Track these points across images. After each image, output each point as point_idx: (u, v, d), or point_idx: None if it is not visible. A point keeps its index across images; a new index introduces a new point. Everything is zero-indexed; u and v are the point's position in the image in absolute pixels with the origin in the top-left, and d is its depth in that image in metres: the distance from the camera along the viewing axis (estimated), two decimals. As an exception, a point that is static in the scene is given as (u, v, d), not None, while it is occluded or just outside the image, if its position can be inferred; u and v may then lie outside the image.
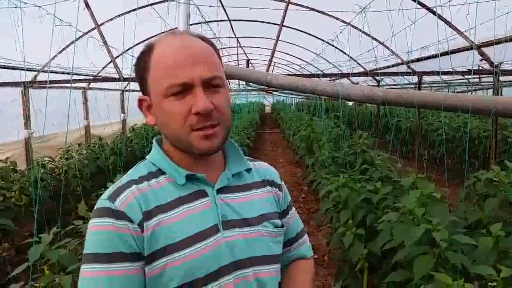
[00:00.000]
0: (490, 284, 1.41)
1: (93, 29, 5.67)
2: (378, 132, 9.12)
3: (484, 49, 4.09)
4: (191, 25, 3.24)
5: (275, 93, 16.39)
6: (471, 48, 4.26)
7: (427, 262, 1.57)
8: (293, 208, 1.10)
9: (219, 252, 0.84)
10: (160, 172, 0.90)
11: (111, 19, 6.00)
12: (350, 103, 14.21)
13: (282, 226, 0.98)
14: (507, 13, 2.63)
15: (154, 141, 0.96)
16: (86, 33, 6.11)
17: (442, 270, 1.60)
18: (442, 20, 4.21)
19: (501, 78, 5.11)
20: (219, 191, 0.91)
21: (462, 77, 9.19)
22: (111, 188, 0.86)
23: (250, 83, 10.52)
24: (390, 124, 9.33)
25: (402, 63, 6.39)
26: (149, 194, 0.84)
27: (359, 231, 2.71)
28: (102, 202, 0.83)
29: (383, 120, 9.94)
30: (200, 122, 0.82)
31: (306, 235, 1.13)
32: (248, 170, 1.00)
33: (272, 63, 10.71)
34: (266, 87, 12.88)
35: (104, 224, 0.79)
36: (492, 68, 4.09)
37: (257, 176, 1.01)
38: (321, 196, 4.16)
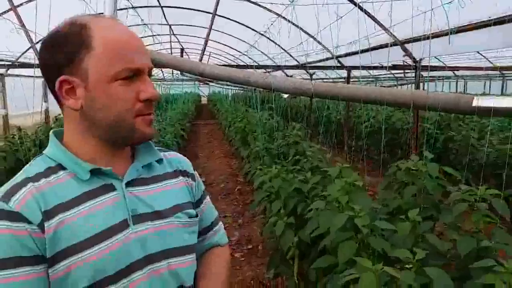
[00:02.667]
0: (406, 266, 1.50)
1: (9, 10, 5.15)
2: (310, 124, 9.42)
3: (407, 46, 4.36)
4: (118, 10, 3.05)
5: (211, 83, 16.23)
6: (395, 44, 4.52)
7: (350, 248, 1.64)
8: (207, 197, 1.10)
9: (129, 248, 0.82)
10: (60, 167, 0.83)
11: (30, 0, 5.48)
12: (285, 96, 14.52)
13: (196, 215, 0.98)
14: (425, 12, 2.83)
15: (51, 133, 0.88)
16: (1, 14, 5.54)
17: (364, 255, 1.67)
18: (368, 15, 4.41)
19: (423, 73, 5.51)
20: (129, 184, 0.87)
21: (389, 72, 9.78)
22: (4, 187, 0.79)
23: (185, 74, 10.28)
24: (321, 117, 9.69)
25: (332, 57, 6.62)
26: (48, 192, 0.79)
27: (290, 220, 2.77)
28: None
29: (315, 113, 10.28)
30: (147, 109, 0.84)
31: (220, 223, 1.14)
32: (159, 161, 0.97)
33: (207, 53, 10.55)
34: (201, 77, 12.70)
35: None
36: (414, 64, 4.38)
37: (168, 166, 0.99)
38: (255, 187, 4.20)
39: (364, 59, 5.87)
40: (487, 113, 2.26)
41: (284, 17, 6.11)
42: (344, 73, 7.74)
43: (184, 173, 1.02)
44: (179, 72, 10.53)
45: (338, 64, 6.16)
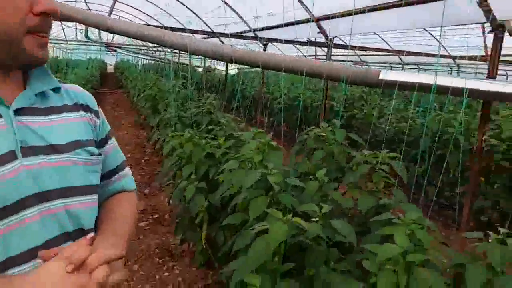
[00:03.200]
0: (313, 219, 1.53)
1: None
2: (224, 98, 9.37)
3: (322, 23, 4.49)
4: None
5: (119, 50, 15.17)
6: (311, 21, 4.62)
7: (262, 203, 1.63)
8: (113, 139, 1.00)
9: (18, 182, 0.71)
10: None
11: None
12: (200, 69, 14.22)
13: (99, 154, 0.88)
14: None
15: None
16: None
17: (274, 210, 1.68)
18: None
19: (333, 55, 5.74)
20: (18, 112, 0.75)
21: (302, 54, 10.08)
22: None
23: (89, 37, 9.37)
24: (236, 91, 9.69)
25: (250, 30, 6.57)
26: None
27: (201, 184, 2.70)
28: None
29: (230, 87, 10.25)
30: (42, 26, 0.71)
31: (128, 168, 1.05)
32: (56, 90, 0.85)
33: (117, 13, 9.76)
34: (109, 43, 11.74)
35: None
36: (327, 42, 4.54)
37: (68, 99, 0.87)
38: (165, 154, 4.04)
39: (279, 36, 5.92)
40: (392, 86, 2.42)
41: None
42: (259, 46, 7.76)
43: (86, 108, 0.90)
44: (83, 35, 9.60)
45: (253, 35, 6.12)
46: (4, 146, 0.70)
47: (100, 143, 0.92)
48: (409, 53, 6.29)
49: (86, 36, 9.19)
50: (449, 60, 8.98)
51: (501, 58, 2.86)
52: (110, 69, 26.15)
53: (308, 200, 1.78)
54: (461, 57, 6.77)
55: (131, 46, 13.40)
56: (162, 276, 3.16)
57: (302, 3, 4.41)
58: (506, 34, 2.70)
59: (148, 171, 6.08)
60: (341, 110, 4.73)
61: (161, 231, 3.99)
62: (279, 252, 1.44)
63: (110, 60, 27.72)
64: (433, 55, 6.51)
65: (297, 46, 8.90)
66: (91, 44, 12.60)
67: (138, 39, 3.24)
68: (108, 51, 15.13)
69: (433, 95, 2.26)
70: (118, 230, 0.89)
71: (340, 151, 2.27)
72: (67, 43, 13.89)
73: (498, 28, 2.64)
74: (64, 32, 12.72)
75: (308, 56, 11.47)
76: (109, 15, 4.54)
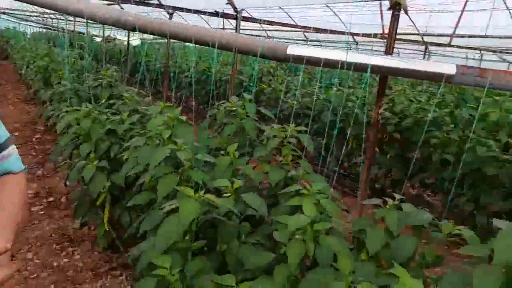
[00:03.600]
0: (225, 194, 1.50)
1: None
2: (127, 70, 8.80)
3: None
4: None
5: (3, 16, 13.24)
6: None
7: (171, 181, 1.55)
8: None
9: None
10: None
11: None
12: (99, 39, 13.10)
13: None
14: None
15: None
16: None
17: (185, 188, 1.60)
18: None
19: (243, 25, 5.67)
20: None
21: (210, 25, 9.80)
22: None
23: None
24: (139, 63, 9.15)
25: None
26: None
27: (102, 163, 2.49)
28: None
29: (133, 59, 9.65)
30: None
31: (13, 147, 0.91)
32: None
33: None
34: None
35: None
36: (235, 13, 4.45)
37: None
38: (60, 131, 3.65)
39: (186, 5, 5.64)
40: (300, 61, 2.45)
41: None
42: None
43: None
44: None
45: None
46: None
47: None
48: (319, 30, 6.50)
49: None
50: (349, 38, 9.54)
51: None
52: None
53: (220, 176, 1.74)
54: (364, 35, 7.21)
55: (19, 12, 11.76)
56: (61, 263, 2.90)
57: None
58: (402, 12, 2.90)
59: (41, 150, 5.50)
60: (253, 84, 4.74)
61: (58, 215, 3.65)
62: (190, 231, 1.39)
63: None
64: (339, 32, 6.82)
65: (204, 17, 8.63)
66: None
67: (28, 3, 2.82)
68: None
69: (337, 71, 2.35)
70: (0, 219, 0.74)
71: (251, 126, 2.26)
72: None
73: (395, 6, 2.81)
74: None
75: (215, 28, 11.26)
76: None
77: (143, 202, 1.67)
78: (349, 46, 11.29)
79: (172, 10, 5.31)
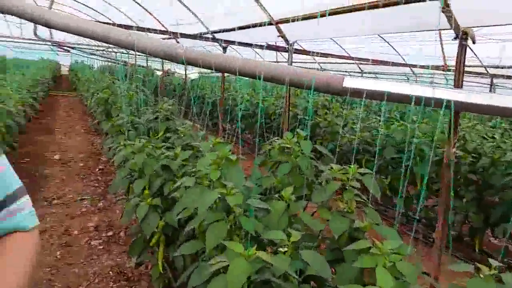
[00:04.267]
0: (281, 249, 1.33)
1: None
2: (184, 103, 9.05)
3: (282, 27, 4.33)
4: None
5: (73, 51, 14.39)
6: (270, 24, 4.45)
7: (220, 231, 1.41)
8: (2, 158, 0.73)
9: None
10: None
11: None
12: (159, 73, 13.75)
13: None
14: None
15: None
16: None
17: (236, 238, 1.46)
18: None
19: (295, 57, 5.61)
20: None
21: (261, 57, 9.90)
22: None
23: (39, 35, 8.73)
24: (197, 97, 9.39)
25: (208, 32, 6.31)
26: None
27: (155, 201, 2.43)
28: None
29: (191, 92, 9.93)
30: None
31: (25, 198, 0.77)
32: None
33: (61, 8, 9.13)
34: (61, 42, 11.05)
35: None
36: (287, 46, 4.38)
37: None
38: (117, 165, 3.71)
39: (239, 39, 5.71)
40: (358, 95, 2.26)
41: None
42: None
43: None
44: (32, 32, 8.93)
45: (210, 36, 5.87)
46: None
47: None
48: (375, 62, 6.29)
49: (35, 34, 8.54)
50: (406, 69, 9.15)
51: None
52: (64, 71, 24.88)
53: (275, 223, 1.58)
54: (421, 66, 6.87)
55: (86, 46, 12.71)
56: (116, 303, 2.85)
57: (259, 3, 4.22)
58: (470, 41, 2.65)
59: (103, 181, 5.68)
60: (309, 118, 4.60)
61: (117, 250, 3.64)
62: (241, 291, 1.23)
63: (65, 61, 26.39)
64: (397, 64, 6.56)
65: (257, 50, 8.73)
66: (41, 43, 11.80)
67: (81, 36, 2.91)
68: (60, 51, 14.28)
69: (394, 104, 2.14)
70: None
71: (307, 165, 2.09)
72: (13, 41, 12.94)
73: (463, 36, 2.57)
74: (9, 29, 11.73)
75: (269, 61, 11.35)
76: (50, 8, 4.14)
77: (191, 251, 1.55)
78: (406, 78, 10.86)
79: (226, 44, 5.37)
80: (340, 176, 1.86)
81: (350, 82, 2.35)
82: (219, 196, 1.50)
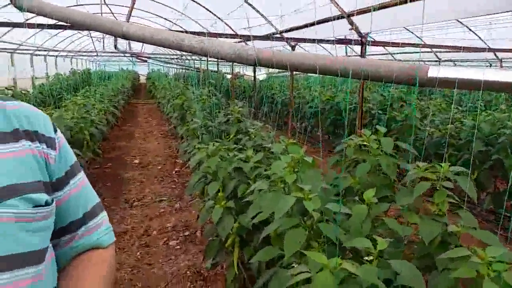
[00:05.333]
0: (366, 258, 1.21)
1: None
2: (254, 104, 9.13)
3: (353, 19, 4.14)
4: None
5: (150, 60, 15.29)
6: (341, 17, 4.27)
7: (298, 237, 1.33)
8: (80, 176, 0.70)
9: None
10: None
11: None
12: (229, 76, 14.07)
13: (49, 203, 0.60)
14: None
15: None
16: None
17: (315, 245, 1.37)
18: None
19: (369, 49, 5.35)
20: None
21: (329, 52, 9.64)
22: None
23: (118, 47, 9.38)
24: (266, 97, 9.41)
25: (276, 32, 6.27)
26: None
27: (229, 203, 2.43)
28: None
29: (260, 93, 9.99)
30: None
31: (103, 215, 0.76)
32: None
33: (136, 20, 9.68)
34: (139, 53, 11.79)
35: None
36: (360, 38, 4.17)
37: (3, 122, 0.60)
38: (192, 168, 3.81)
39: (308, 35, 5.60)
40: (447, 85, 2.05)
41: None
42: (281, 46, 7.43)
43: (34, 136, 0.63)
44: (113, 45, 9.62)
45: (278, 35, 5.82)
46: None
47: (57, 184, 0.65)
48: (455, 48, 5.78)
49: (115, 47, 9.20)
50: (488, 55, 8.34)
51: None
52: (142, 79, 26.57)
53: (356, 228, 1.46)
54: (508, 50, 6.21)
55: (161, 56, 13.44)
56: (194, 303, 2.91)
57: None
58: None
59: (180, 183, 5.90)
60: (377, 114, 4.35)
61: (193, 250, 3.74)
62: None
63: (143, 70, 28.22)
64: (478, 50, 5.99)
65: (326, 46, 8.51)
66: (121, 55, 12.71)
67: (156, 45, 3.02)
68: (138, 61, 15.27)
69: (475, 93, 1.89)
70: None
71: (388, 164, 1.93)
72: (97, 55, 14.09)
73: None
74: (93, 43, 12.86)
75: (340, 55, 11.04)
76: (127, 21, 4.37)
77: (268, 258, 1.49)
78: (489, 64, 9.90)
79: (294, 42, 5.28)
80: (428, 176, 1.69)
81: (436, 72, 2.14)
82: (296, 200, 1.42)
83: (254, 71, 9.26)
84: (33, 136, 0.62)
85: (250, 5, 5.58)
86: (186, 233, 4.15)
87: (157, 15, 9.76)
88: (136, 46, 11.82)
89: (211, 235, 2.96)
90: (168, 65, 17.62)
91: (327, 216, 1.51)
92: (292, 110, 6.92)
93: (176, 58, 14.13)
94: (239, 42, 6.56)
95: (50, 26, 4.54)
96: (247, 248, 2.42)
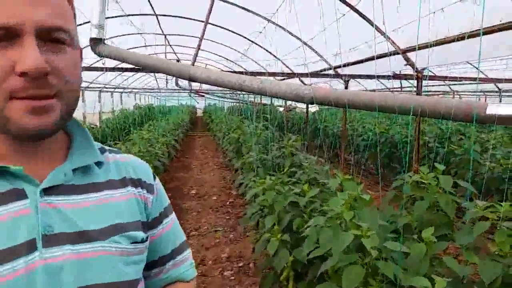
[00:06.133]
0: (424, 297, 1.24)
1: None
2: (306, 137, 9.22)
3: (409, 54, 4.17)
4: (107, 18, 2.87)
5: (207, 95, 16.03)
6: (396, 53, 4.32)
7: (357, 274, 1.38)
8: (171, 216, 0.83)
9: (32, 280, 0.57)
10: None
11: None
12: (281, 109, 14.35)
13: (145, 240, 0.71)
14: (432, 14, 2.63)
15: None
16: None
17: (372, 283, 1.41)
18: (365, 19, 4.23)
19: (425, 84, 5.31)
20: (48, 192, 0.62)
21: (385, 87, 9.56)
22: None
23: (180, 84, 10.04)
24: (318, 129, 9.47)
25: (330, 68, 6.42)
26: None
27: (284, 237, 2.51)
28: None
29: (312, 125, 10.08)
30: (27, 88, 0.55)
31: (188, 251, 0.87)
32: (99, 164, 0.71)
33: (200, 60, 10.31)
34: (197, 89, 12.47)
35: None
36: (416, 74, 4.18)
37: (115, 172, 0.73)
38: (248, 200, 3.94)
39: (362, 70, 5.67)
40: (507, 122, 2.03)
41: (273, 22, 5.91)
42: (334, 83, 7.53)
43: (137, 183, 0.75)
44: (174, 82, 10.29)
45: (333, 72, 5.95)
46: (22, 234, 0.58)
47: (151, 225, 0.77)
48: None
49: (177, 84, 9.86)
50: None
51: None
52: (199, 113, 27.75)
53: (414, 267, 1.48)
54: None
55: (217, 91, 14.10)
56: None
57: (385, 36, 4.16)
58: None
59: (233, 213, 6.04)
60: (435, 147, 4.25)
61: (247, 282, 3.81)
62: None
63: (199, 104, 29.56)
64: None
65: (380, 80, 8.50)
66: (181, 91, 13.51)
67: (219, 86, 3.25)
68: (196, 96, 16.09)
69: None
70: None
71: (447, 202, 1.93)
72: (159, 91, 15.04)
73: None
74: (157, 82, 13.85)
75: (393, 89, 10.93)
76: (193, 63, 4.71)
77: (326, 293, 1.55)
78: None
79: (348, 77, 5.37)
80: (488, 215, 1.67)
81: (495, 109, 2.13)
82: (354, 237, 1.48)
83: (307, 105, 9.41)
84: (136, 182, 0.75)
85: (309, 46, 5.81)
86: (240, 264, 4.23)
87: (219, 55, 10.37)
88: (196, 83, 12.53)
89: (265, 267, 3.03)
90: (223, 99, 18.32)
91: (384, 253, 1.55)
92: (345, 143, 6.92)
93: (231, 93, 14.72)
94: (290, 79, 6.77)
95: (126, 70, 5.03)
96: (302, 283, 2.46)
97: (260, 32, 6.30)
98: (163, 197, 0.80)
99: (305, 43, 5.84)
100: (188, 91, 13.46)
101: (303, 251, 2.21)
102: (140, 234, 0.70)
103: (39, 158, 0.64)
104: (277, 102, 15.47)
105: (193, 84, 12.30)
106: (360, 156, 7.99)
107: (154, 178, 0.80)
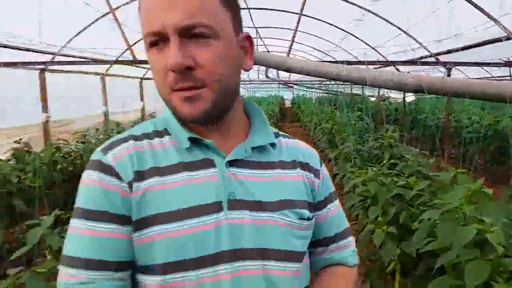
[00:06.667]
0: None
1: (108, 12, 5.50)
2: (403, 128, 8.79)
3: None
4: None
5: (295, 87, 16.10)
6: (508, 38, 3.93)
7: (482, 269, 1.34)
8: (335, 202, 0.89)
9: (218, 234, 0.68)
10: (166, 132, 0.76)
11: (127, 3, 5.77)
12: (373, 99, 13.83)
13: (309, 218, 0.79)
14: None
15: None
16: (104, 15, 5.95)
17: (499, 280, 1.37)
18: (471, 3, 3.90)
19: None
20: (232, 164, 0.74)
21: (491, 75, 8.67)
22: (111, 139, 0.74)
23: (269, 76, 10.23)
24: (418, 120, 8.96)
25: (430, 55, 6.03)
26: (147, 153, 0.72)
27: (391, 229, 2.47)
28: (95, 153, 0.72)
29: (409, 115, 9.56)
30: (177, 82, 0.66)
31: (351, 239, 0.92)
32: (273, 146, 0.81)
33: (294, 52, 10.39)
34: (286, 80, 12.59)
35: (91, 178, 0.69)
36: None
37: (286, 154, 0.82)
38: (346, 191, 3.92)
39: (466, 57, 5.25)
40: None
41: (370, 11, 5.70)
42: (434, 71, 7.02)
43: (305, 167, 0.83)
44: (264, 74, 10.55)
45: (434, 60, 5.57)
46: (213, 196, 0.69)
47: (317, 206, 0.84)
48: None
49: (266, 76, 10.10)
50: None
51: None
52: (287, 104, 27.99)
53: (545, 268, 1.39)
54: None
55: (305, 82, 14.10)
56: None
57: (495, 20, 3.80)
58: None
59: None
60: None
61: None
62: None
63: (288, 95, 29.78)
64: None
65: (488, 69, 7.75)
66: (271, 82, 13.78)
67: (314, 76, 3.30)
68: (286, 87, 16.25)
69: None
70: None
71: None
72: (250, 83, 15.50)
73: None
74: (249, 74, 14.32)
75: (499, 77, 9.87)
76: (288, 55, 4.81)
77: (444, 287, 1.52)
78: None
79: (452, 65, 5.01)
80: None
81: None
82: (476, 232, 1.44)
83: (404, 94, 8.96)
84: (305, 166, 0.83)
85: (408, 34, 5.54)
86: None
87: (310, 47, 10.35)
88: (284, 74, 12.66)
89: (368, 258, 3.02)
90: (311, 90, 18.23)
91: (510, 251, 1.48)
92: (447, 136, 6.48)
93: (319, 83, 14.60)
94: (385, 67, 6.50)
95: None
96: (409, 277, 2.41)
97: (360, 20, 6.16)
98: (328, 183, 0.87)
99: (404, 32, 5.57)
100: (277, 82, 13.67)
101: (411, 244, 2.17)
102: (307, 212, 0.78)
103: (225, 136, 0.76)
104: (367, 92, 14.95)
105: (281, 74, 12.46)
106: (465, 149, 7.41)
107: (321, 164, 0.87)
